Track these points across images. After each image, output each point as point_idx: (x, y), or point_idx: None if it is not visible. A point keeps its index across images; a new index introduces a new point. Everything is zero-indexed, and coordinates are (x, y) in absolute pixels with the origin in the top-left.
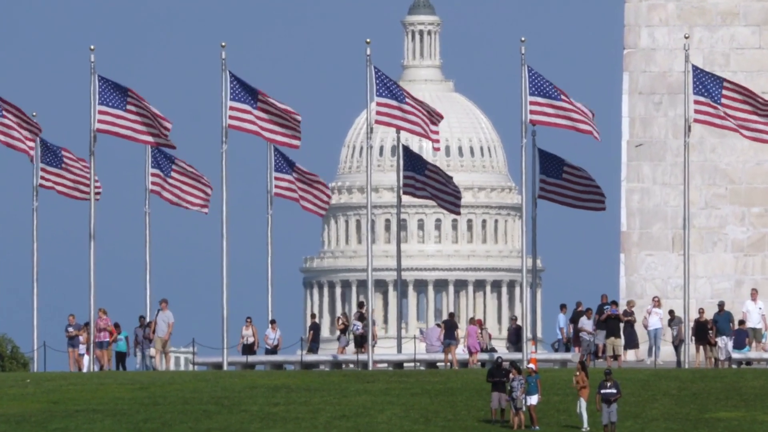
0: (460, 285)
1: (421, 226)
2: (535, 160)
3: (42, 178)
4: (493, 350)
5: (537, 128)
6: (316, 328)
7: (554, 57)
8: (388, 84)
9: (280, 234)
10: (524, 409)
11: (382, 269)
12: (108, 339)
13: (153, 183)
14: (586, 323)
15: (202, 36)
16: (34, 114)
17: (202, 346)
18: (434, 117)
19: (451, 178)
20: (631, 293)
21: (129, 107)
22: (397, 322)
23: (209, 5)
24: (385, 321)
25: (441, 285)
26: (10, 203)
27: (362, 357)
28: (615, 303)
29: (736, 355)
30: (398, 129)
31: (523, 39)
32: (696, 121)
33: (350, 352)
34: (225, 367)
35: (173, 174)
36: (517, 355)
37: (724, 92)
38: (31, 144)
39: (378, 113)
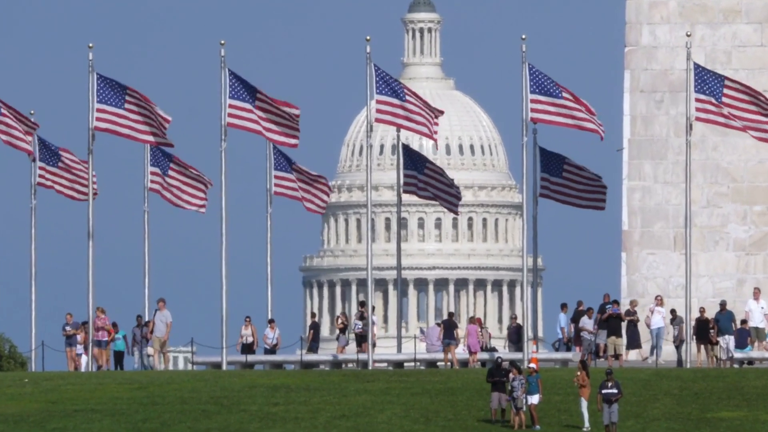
0: (461, 284)
1: (421, 224)
2: (536, 159)
3: (40, 176)
4: (493, 350)
5: (538, 126)
6: (316, 327)
7: (555, 55)
8: (389, 81)
9: (279, 233)
10: (525, 408)
11: (382, 268)
12: (106, 338)
13: (152, 181)
14: (587, 322)
15: (201, 34)
16: (32, 112)
17: (201, 345)
18: (434, 112)
19: (452, 181)
20: (632, 292)
21: (127, 105)
22: (398, 322)
23: (208, 3)
24: (386, 320)
25: (441, 284)
26: (7, 202)
27: (362, 357)
28: (616, 302)
29: (738, 354)
30: (398, 127)
31: (523, 37)
32: (698, 119)
33: (350, 352)
34: (224, 367)
35: (171, 173)
36: (517, 355)
37: (725, 91)
38: (29, 140)
39: (378, 111)
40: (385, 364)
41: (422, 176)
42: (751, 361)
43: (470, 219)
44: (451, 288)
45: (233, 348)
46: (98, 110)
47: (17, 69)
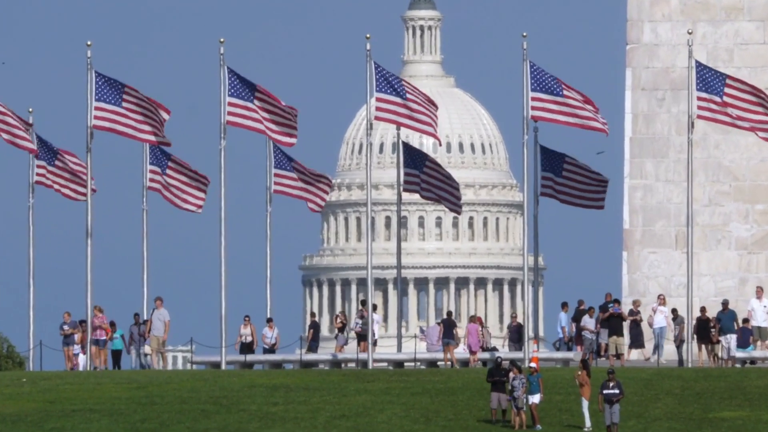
0: (461, 283)
1: (421, 223)
2: (536, 157)
3: (38, 174)
4: (494, 349)
5: (539, 124)
6: (315, 326)
7: (556, 53)
8: (390, 79)
9: (279, 231)
10: (525, 408)
11: (382, 267)
12: (105, 337)
13: (152, 180)
14: (589, 322)
15: (201, 31)
16: (30, 110)
17: (199, 344)
18: (432, 106)
19: (449, 175)
20: (633, 291)
21: (125, 104)
22: (398, 321)
23: (207, 1)
24: (386, 319)
25: (442, 283)
26: (5, 200)
27: (362, 356)
28: (618, 301)
29: (740, 354)
30: (399, 126)
31: (524, 34)
32: (699, 117)
33: (349, 351)
34: (223, 366)
35: (168, 171)
36: (518, 354)
37: (726, 89)
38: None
39: (378, 109)
40: (385, 364)
41: (423, 175)
42: (753, 361)
43: (471, 218)
44: (452, 287)
45: (232, 347)
46: (96, 108)
47: (15, 67)
